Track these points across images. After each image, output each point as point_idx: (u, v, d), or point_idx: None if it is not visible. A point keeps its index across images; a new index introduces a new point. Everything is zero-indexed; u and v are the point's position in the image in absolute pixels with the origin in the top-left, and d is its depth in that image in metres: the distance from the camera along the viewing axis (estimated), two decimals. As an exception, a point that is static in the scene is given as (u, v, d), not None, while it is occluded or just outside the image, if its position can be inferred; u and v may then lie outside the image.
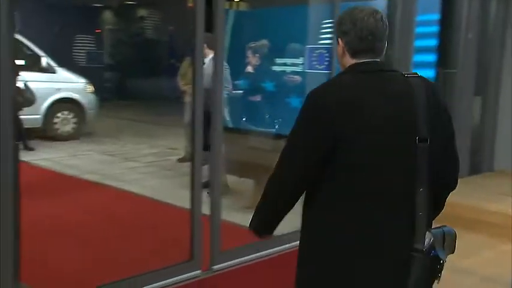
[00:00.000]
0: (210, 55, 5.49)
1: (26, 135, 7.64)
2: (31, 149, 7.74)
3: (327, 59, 5.10)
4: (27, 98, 7.18)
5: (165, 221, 4.72)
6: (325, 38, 5.21)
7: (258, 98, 5.34)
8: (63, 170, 6.81)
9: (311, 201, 1.78)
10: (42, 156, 7.51)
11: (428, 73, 5.92)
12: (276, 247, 3.71)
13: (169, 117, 11.58)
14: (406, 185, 1.73)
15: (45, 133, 8.76)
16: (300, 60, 5.62)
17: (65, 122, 8.97)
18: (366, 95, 1.72)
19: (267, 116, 5.58)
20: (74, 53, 15.22)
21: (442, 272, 1.77)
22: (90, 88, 9.25)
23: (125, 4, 17.02)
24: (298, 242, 1.90)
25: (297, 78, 5.51)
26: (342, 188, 1.71)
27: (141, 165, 6.87)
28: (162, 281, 3.17)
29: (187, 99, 6.90)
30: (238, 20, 6.52)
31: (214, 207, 3.50)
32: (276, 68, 6.06)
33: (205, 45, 5.97)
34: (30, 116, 7.59)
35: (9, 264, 2.56)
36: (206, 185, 5.43)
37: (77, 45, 15.46)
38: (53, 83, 8.67)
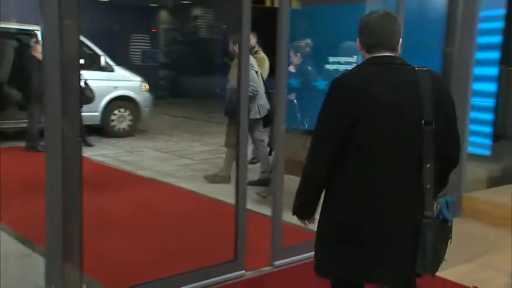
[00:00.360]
0: None
1: (85, 132, 7.92)
2: (90, 145, 8.02)
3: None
4: (87, 96, 7.43)
5: (217, 218, 4.77)
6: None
7: (292, 96, 5.28)
8: (120, 165, 7.02)
9: (336, 175, 2.07)
10: (100, 152, 7.77)
11: (491, 71, 5.66)
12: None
13: (221, 115, 11.70)
14: (415, 162, 2.03)
15: (103, 130, 9.06)
16: (353, 59, 5.54)
17: (121, 119, 9.23)
18: (378, 82, 2.03)
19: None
20: (130, 52, 15.62)
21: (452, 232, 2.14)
22: (146, 86, 9.48)
23: (181, 4, 17.31)
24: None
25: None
26: (360, 163, 2.03)
27: (194, 163, 6.97)
28: (204, 280, 3.28)
29: None
30: (291, 18, 6.50)
31: (276, 205, 3.57)
32: (329, 67, 6.00)
33: (236, 46, 6.14)
34: (89, 113, 7.87)
35: (76, 257, 2.65)
36: (258, 183, 5.47)
37: (133, 44, 15.86)
38: (111, 82, 8.95)
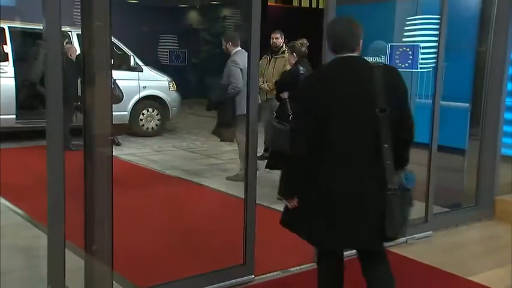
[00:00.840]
0: (233, 51, 5.94)
1: (114, 131, 8.02)
2: (118, 144, 8.13)
3: (410, 57, 4.94)
4: (116, 95, 7.53)
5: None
6: (409, 35, 5.04)
7: (285, 95, 5.24)
8: (147, 164, 7.10)
9: (314, 159, 2.46)
10: (128, 152, 7.88)
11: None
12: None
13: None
14: (375, 143, 2.45)
15: (131, 129, 9.17)
16: (381, 59, 5.46)
17: (149, 118, 9.33)
18: (340, 78, 2.50)
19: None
20: (158, 52, 15.77)
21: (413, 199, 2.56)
22: (174, 86, 9.56)
23: (209, 4, 17.40)
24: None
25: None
26: (331, 147, 2.45)
27: (222, 162, 7.00)
28: (213, 284, 3.26)
29: (263, 97, 6.97)
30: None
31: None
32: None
33: (230, 43, 6.26)
34: (118, 113, 7.97)
35: (107, 255, 2.69)
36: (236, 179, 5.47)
37: (162, 45, 16.01)
38: (139, 81, 9.05)
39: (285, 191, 2.62)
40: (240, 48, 5.99)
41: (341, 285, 2.73)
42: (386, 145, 2.43)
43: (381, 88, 2.44)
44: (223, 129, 6.10)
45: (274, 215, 2.97)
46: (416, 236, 4.25)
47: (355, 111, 2.46)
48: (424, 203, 4.63)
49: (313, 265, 3.47)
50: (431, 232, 4.42)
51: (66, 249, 3.84)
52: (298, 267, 3.65)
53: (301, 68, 5.11)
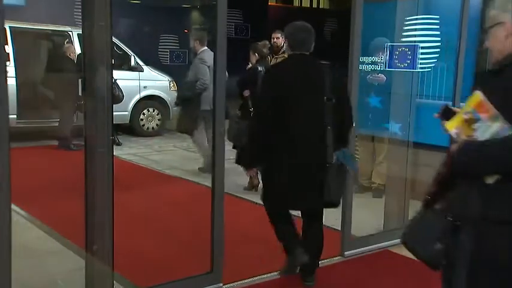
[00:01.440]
0: (200, 50, 6.23)
1: (115, 131, 8.03)
2: (119, 144, 8.13)
3: (409, 57, 4.92)
4: (116, 95, 7.53)
5: (247, 218, 4.78)
6: (408, 35, 5.02)
7: (246, 93, 5.44)
8: (148, 164, 7.11)
9: (273, 137, 3.07)
10: (129, 151, 7.88)
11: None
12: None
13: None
14: (321, 125, 3.06)
15: (132, 129, 9.17)
16: (379, 59, 5.44)
17: (150, 118, 9.34)
18: (294, 71, 3.15)
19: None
20: (159, 52, 15.78)
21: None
22: (174, 86, 9.55)
23: (211, 4, 17.41)
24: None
25: (382, 77, 5.36)
26: (286, 127, 3.05)
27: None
28: None
29: None
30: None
31: (348, 198, 3.76)
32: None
33: (198, 42, 6.45)
34: (119, 113, 7.97)
35: (108, 255, 2.68)
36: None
37: (162, 45, 16.02)
38: (140, 81, 9.05)
39: (248, 161, 3.42)
40: (206, 48, 6.35)
41: (296, 231, 3.37)
42: (329, 127, 3.07)
43: (328, 82, 3.10)
44: (187, 124, 6.47)
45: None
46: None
47: (306, 99, 3.08)
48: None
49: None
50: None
51: (66, 249, 3.87)
52: (269, 274, 3.52)
53: (260, 68, 5.37)
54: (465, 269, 1.81)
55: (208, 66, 6.03)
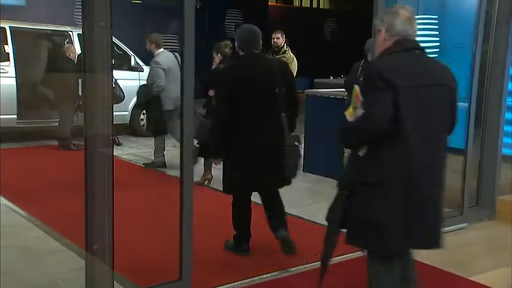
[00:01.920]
0: (156, 52, 6.56)
1: (115, 131, 8.03)
2: (119, 144, 8.13)
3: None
4: (117, 95, 7.54)
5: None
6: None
7: (211, 93, 5.39)
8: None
9: (235, 125, 3.50)
10: (129, 151, 7.88)
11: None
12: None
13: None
14: (276, 112, 3.58)
15: (132, 129, 9.16)
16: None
17: (150, 118, 9.31)
18: (249, 66, 3.65)
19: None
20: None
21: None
22: (174, 86, 9.53)
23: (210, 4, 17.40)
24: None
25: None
26: (246, 116, 3.51)
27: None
28: None
29: None
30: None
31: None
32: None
33: (153, 45, 6.59)
34: (119, 113, 7.97)
35: (108, 255, 2.68)
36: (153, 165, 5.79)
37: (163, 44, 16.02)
38: (140, 81, 9.04)
39: (210, 150, 3.83)
40: (163, 50, 6.67)
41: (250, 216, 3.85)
42: (283, 114, 3.59)
43: (277, 74, 3.61)
44: (154, 125, 6.90)
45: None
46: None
47: (261, 90, 3.56)
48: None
49: (256, 279, 3.43)
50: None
51: (67, 249, 3.87)
52: (239, 282, 3.43)
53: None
54: (339, 224, 2.49)
55: (164, 69, 6.42)
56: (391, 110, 2.27)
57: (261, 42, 3.72)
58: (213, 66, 5.84)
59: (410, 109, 2.30)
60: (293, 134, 3.71)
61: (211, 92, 5.40)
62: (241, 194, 3.80)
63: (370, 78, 2.38)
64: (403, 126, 2.29)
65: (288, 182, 3.70)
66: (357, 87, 2.40)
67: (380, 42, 2.50)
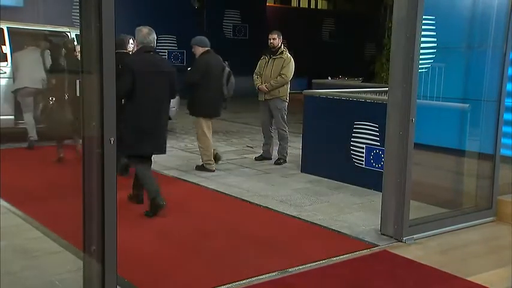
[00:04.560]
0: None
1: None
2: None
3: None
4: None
5: (243, 218, 4.78)
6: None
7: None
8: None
9: (129, 102, 4.72)
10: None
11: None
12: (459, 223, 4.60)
13: (248, 115, 11.72)
14: (163, 98, 4.89)
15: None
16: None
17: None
18: (143, 60, 4.80)
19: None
20: (157, 52, 15.76)
21: None
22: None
23: (206, 5, 17.39)
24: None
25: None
26: (138, 98, 4.68)
27: (221, 163, 6.97)
28: None
29: (261, 97, 7.00)
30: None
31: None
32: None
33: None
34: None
35: (110, 255, 2.65)
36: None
37: (160, 44, 16.00)
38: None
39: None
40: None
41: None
42: (167, 97, 4.91)
43: (163, 67, 4.90)
44: None
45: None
46: (415, 236, 4.23)
47: (153, 80, 4.72)
48: (424, 204, 4.62)
49: (255, 279, 3.35)
50: (430, 232, 4.40)
51: (64, 250, 3.85)
52: (239, 282, 3.36)
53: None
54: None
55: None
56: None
57: (155, 38, 4.92)
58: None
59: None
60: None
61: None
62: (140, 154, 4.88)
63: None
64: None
65: (163, 151, 5.00)
66: None
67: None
